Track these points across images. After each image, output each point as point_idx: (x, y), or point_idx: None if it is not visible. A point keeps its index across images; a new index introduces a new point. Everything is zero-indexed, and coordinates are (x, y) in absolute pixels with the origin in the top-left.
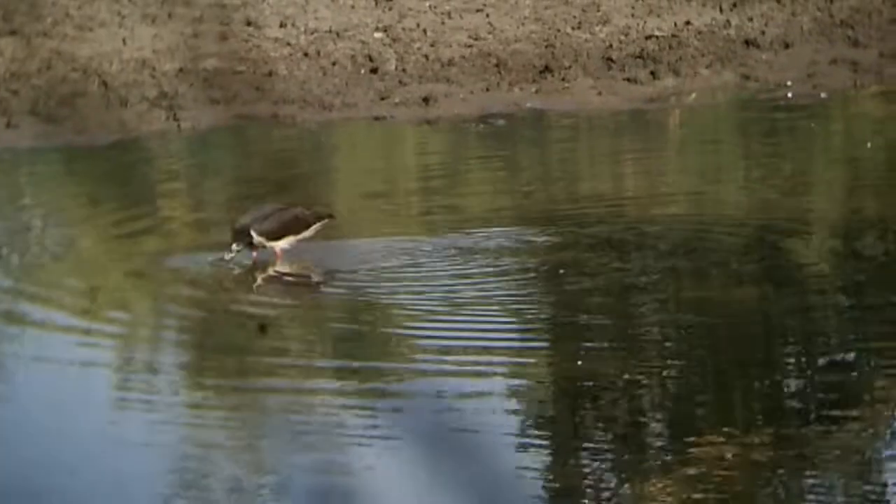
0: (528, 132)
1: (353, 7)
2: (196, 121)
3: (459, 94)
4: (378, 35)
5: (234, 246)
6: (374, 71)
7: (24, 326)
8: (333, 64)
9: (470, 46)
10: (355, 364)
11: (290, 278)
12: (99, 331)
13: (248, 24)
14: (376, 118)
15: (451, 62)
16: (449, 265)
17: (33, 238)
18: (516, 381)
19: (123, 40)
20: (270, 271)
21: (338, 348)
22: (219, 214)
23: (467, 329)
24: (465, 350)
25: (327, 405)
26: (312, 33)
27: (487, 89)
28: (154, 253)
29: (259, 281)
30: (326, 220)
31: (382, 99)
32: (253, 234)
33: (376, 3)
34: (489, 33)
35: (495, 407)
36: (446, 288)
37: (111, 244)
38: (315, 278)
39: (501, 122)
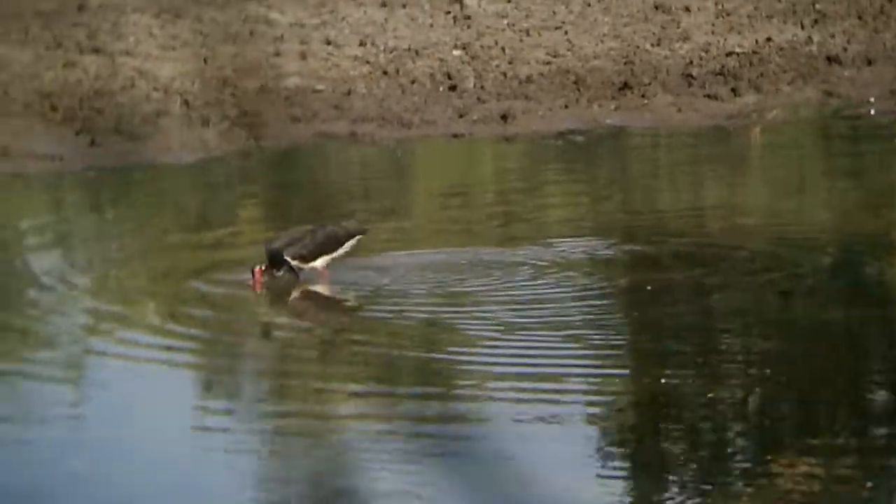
0: (606, 149)
1: (431, 25)
2: (276, 139)
3: (538, 111)
4: (457, 53)
5: (275, 271)
6: (452, 88)
7: (104, 339)
8: (412, 82)
9: (548, 63)
10: (430, 389)
11: (345, 297)
12: (170, 346)
13: (328, 43)
14: (454, 135)
15: (529, 79)
16: (525, 279)
17: (112, 254)
18: (596, 400)
19: (204, 59)
20: (319, 288)
21: (410, 372)
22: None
23: (544, 346)
24: (541, 369)
25: (402, 429)
26: (391, 51)
27: (566, 106)
28: (226, 266)
29: (297, 298)
30: (360, 237)
31: (461, 116)
32: (287, 258)
33: (455, 22)
34: (568, 50)
35: (576, 424)
36: (523, 302)
37: (186, 260)
38: (353, 300)
39: (580, 138)
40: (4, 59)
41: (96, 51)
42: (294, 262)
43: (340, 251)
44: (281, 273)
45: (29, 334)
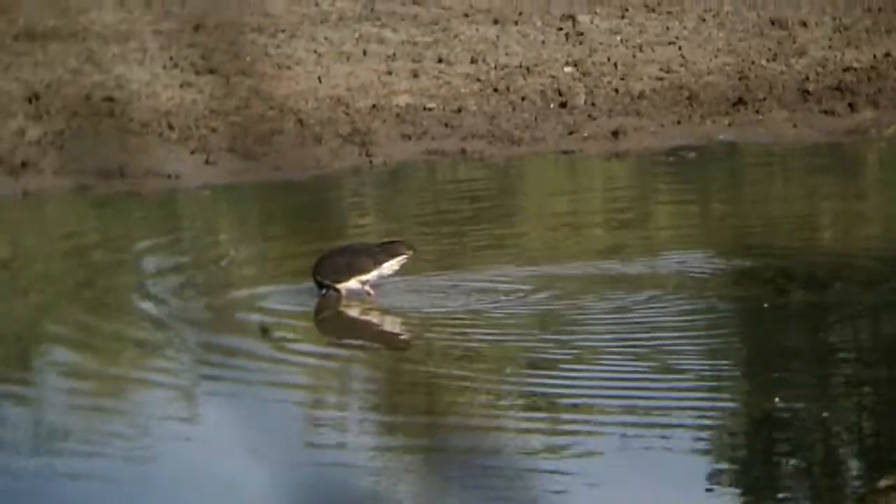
0: (719, 165)
1: (543, 42)
2: (387, 157)
3: (649, 128)
4: (568, 69)
5: (322, 292)
6: (563, 105)
7: (213, 355)
8: (523, 99)
9: (661, 79)
10: (533, 424)
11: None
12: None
13: (440, 61)
14: (564, 152)
15: (641, 95)
16: (632, 296)
17: (227, 271)
18: (708, 422)
19: (319, 78)
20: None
21: (515, 398)
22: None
23: (654, 365)
24: (651, 386)
25: (507, 464)
26: (503, 69)
27: (678, 122)
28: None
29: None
30: (404, 257)
31: (571, 133)
32: (319, 278)
33: (567, 38)
34: (681, 66)
35: (686, 445)
36: (631, 322)
37: (296, 276)
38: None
39: (692, 155)
40: (122, 79)
41: (212, 71)
42: (325, 282)
43: (376, 272)
44: (325, 293)
45: (147, 346)
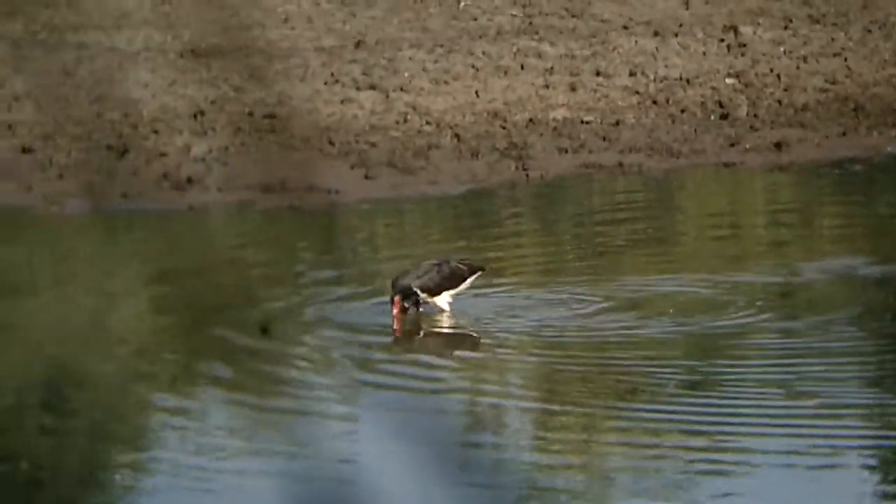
0: (887, 177)
1: (704, 54)
2: (543, 170)
3: (814, 140)
4: (730, 81)
5: (405, 304)
6: (724, 117)
7: (362, 366)
8: (682, 111)
9: (826, 91)
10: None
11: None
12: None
13: (598, 74)
14: (725, 164)
15: (805, 107)
16: (804, 313)
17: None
18: (880, 432)
19: (476, 93)
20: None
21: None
22: (547, 260)
23: (821, 374)
24: (819, 401)
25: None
26: (662, 81)
27: (844, 134)
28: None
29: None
30: (480, 273)
31: (732, 145)
32: (415, 289)
33: (729, 49)
34: (846, 77)
35: (857, 455)
36: (793, 330)
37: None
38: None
39: (858, 167)
40: (284, 95)
41: (372, 87)
42: (422, 295)
43: (462, 287)
44: (408, 306)
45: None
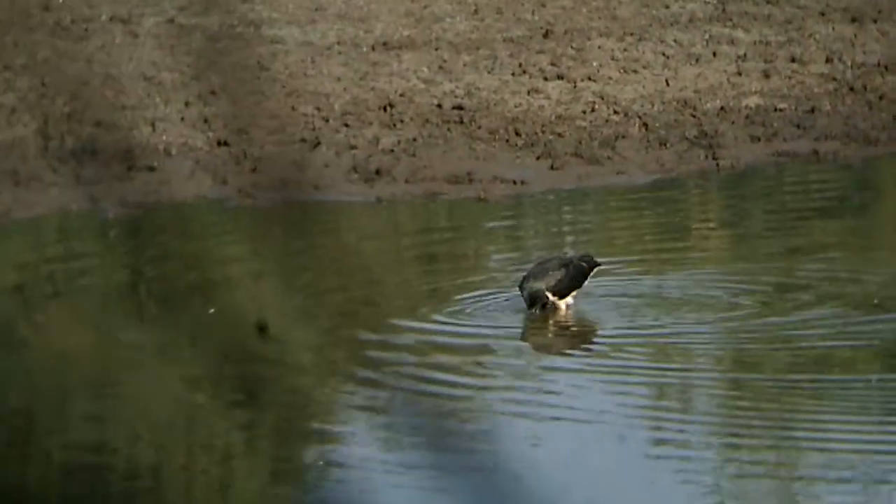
0: None
1: None
2: (734, 159)
3: None
4: None
5: (534, 310)
6: None
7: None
8: (881, 98)
9: None
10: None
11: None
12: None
13: (793, 60)
14: None
15: None
16: None
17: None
18: None
19: (666, 81)
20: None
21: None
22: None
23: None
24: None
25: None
26: (860, 67)
27: None
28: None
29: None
30: (595, 269)
31: None
32: (548, 296)
33: None
34: None
35: None
36: None
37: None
38: None
39: None
40: (472, 87)
41: (560, 77)
42: (553, 299)
43: (584, 285)
44: (535, 311)
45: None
